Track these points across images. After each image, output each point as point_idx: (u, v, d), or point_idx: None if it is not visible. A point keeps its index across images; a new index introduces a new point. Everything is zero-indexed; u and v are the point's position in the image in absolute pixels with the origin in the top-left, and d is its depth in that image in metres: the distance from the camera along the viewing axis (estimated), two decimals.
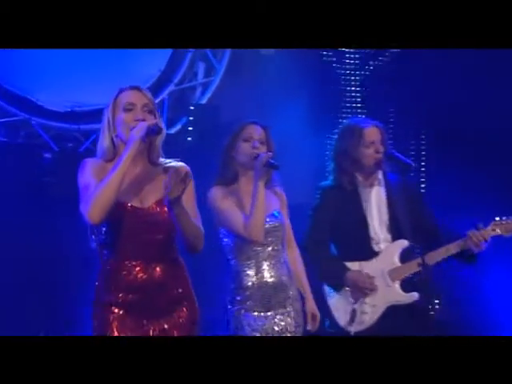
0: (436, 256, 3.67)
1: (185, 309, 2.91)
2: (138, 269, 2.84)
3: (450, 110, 5.62)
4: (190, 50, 5.93)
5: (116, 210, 2.77)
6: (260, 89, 5.53)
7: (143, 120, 2.74)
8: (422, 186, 5.69)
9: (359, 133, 3.69)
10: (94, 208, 2.69)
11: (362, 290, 3.65)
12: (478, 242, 3.55)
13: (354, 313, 3.69)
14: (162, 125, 2.85)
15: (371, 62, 6.06)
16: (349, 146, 3.70)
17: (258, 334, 3.48)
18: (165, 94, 5.67)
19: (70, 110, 5.16)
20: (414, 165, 3.68)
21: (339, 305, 3.73)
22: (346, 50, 6.08)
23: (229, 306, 3.49)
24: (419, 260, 3.65)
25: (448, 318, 5.38)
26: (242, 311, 3.44)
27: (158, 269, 2.86)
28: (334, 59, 5.96)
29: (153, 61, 5.65)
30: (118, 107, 2.85)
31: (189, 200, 2.86)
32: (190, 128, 5.45)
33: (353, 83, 6.03)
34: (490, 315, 5.25)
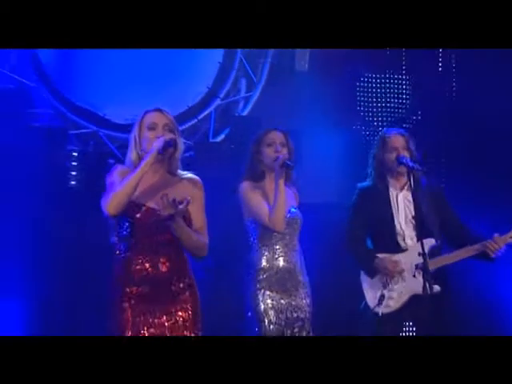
0: (455, 256, 3.94)
1: (188, 297, 3.15)
2: (148, 264, 3.09)
3: (469, 115, 5.74)
4: (234, 68, 6.12)
5: (136, 210, 3.04)
6: (294, 101, 5.75)
7: (166, 140, 3.07)
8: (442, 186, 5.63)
9: (384, 140, 4.00)
10: (111, 203, 2.96)
11: (391, 273, 3.88)
12: (494, 249, 3.83)
13: (382, 297, 3.94)
14: (180, 140, 3.18)
15: (394, 69, 6.17)
16: (378, 152, 4.01)
17: (273, 312, 3.70)
18: (212, 108, 5.94)
19: (130, 122, 5.16)
20: (420, 169, 3.85)
21: (371, 290, 3.98)
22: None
23: (249, 286, 3.75)
24: (441, 257, 3.90)
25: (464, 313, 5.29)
26: (262, 290, 3.68)
27: (164, 264, 3.10)
28: (361, 73, 6.04)
29: (202, 79, 5.94)
30: (143, 126, 3.14)
31: (195, 211, 3.15)
32: (233, 137, 5.66)
33: (378, 94, 6.14)
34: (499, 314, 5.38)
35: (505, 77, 5.44)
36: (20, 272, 5.01)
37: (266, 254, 3.71)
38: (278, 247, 3.72)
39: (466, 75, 5.95)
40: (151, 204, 3.04)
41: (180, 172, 3.21)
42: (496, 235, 3.80)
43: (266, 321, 3.69)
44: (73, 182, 5.42)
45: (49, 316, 5.03)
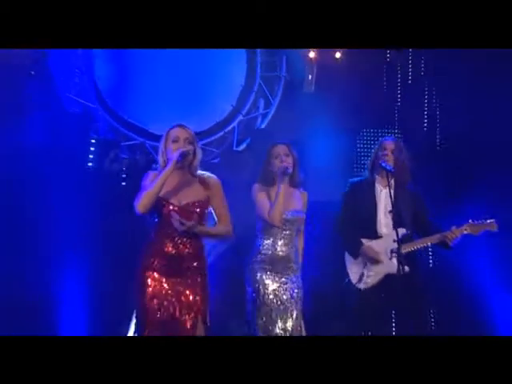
0: (420, 243, 4.26)
1: (198, 275, 3.40)
2: (169, 245, 3.34)
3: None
4: (254, 90, 6.41)
5: (163, 205, 3.30)
6: (302, 117, 6.17)
7: (183, 151, 3.29)
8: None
9: (379, 144, 4.36)
10: (141, 202, 3.22)
11: (371, 260, 4.18)
12: (452, 238, 4.16)
13: (362, 275, 4.26)
14: (199, 151, 3.42)
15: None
16: (373, 153, 4.37)
17: (268, 282, 3.92)
18: (235, 123, 6.37)
19: None
20: (393, 170, 4.05)
21: (353, 268, 4.30)
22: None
23: (248, 263, 4.01)
24: (410, 243, 4.19)
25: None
26: (258, 266, 3.96)
27: (184, 246, 3.35)
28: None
29: (227, 99, 6.42)
30: (168, 140, 3.38)
31: (216, 207, 3.45)
32: (253, 146, 6.12)
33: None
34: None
35: (484, 129, 5.77)
36: (79, 266, 5.32)
37: (267, 242, 3.97)
38: (277, 239, 3.97)
39: (449, 131, 6.29)
40: (175, 201, 3.32)
41: (199, 172, 3.44)
42: (453, 227, 4.15)
43: (262, 291, 3.93)
44: (123, 183, 5.87)
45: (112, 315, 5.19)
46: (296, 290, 3.96)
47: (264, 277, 3.96)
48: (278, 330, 3.89)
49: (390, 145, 4.30)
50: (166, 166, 3.30)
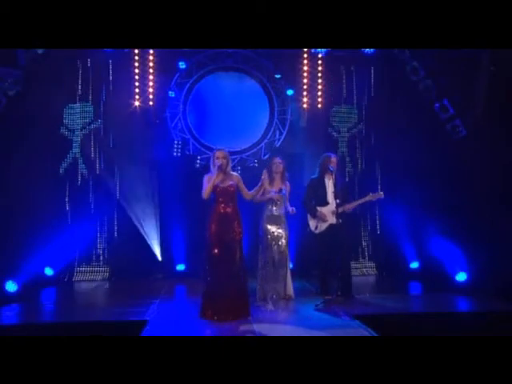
0: (345, 208, 6.42)
1: (235, 221, 5.38)
2: (222, 208, 5.35)
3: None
4: (273, 125, 8.76)
5: (218, 189, 5.21)
6: (299, 140, 8.72)
7: (221, 163, 5.06)
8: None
9: (327, 157, 6.49)
10: (204, 193, 5.25)
11: (322, 217, 6.37)
12: (351, 207, 6.34)
13: (316, 226, 6.45)
14: (229, 162, 5.09)
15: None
16: (322, 162, 6.53)
17: (270, 230, 5.97)
18: (263, 143, 8.80)
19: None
20: (332, 171, 6.22)
21: (312, 223, 6.50)
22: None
23: (260, 222, 6.16)
24: (340, 208, 6.30)
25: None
26: (265, 222, 6.13)
27: (228, 209, 5.36)
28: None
29: (259, 130, 8.86)
30: (214, 156, 5.26)
31: (241, 187, 5.29)
32: (271, 157, 7.37)
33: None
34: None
35: None
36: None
37: (269, 207, 6.18)
38: (273, 206, 6.16)
39: None
40: (222, 184, 5.35)
41: (231, 172, 5.37)
42: (347, 204, 6.35)
43: (266, 235, 6.03)
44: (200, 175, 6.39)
45: None
46: (284, 233, 6.15)
47: (269, 226, 6.20)
48: (275, 248, 6.09)
49: (333, 158, 6.68)
50: (214, 170, 5.13)
